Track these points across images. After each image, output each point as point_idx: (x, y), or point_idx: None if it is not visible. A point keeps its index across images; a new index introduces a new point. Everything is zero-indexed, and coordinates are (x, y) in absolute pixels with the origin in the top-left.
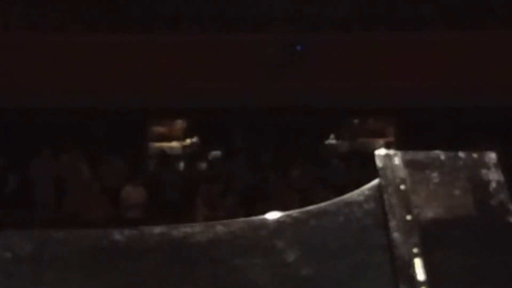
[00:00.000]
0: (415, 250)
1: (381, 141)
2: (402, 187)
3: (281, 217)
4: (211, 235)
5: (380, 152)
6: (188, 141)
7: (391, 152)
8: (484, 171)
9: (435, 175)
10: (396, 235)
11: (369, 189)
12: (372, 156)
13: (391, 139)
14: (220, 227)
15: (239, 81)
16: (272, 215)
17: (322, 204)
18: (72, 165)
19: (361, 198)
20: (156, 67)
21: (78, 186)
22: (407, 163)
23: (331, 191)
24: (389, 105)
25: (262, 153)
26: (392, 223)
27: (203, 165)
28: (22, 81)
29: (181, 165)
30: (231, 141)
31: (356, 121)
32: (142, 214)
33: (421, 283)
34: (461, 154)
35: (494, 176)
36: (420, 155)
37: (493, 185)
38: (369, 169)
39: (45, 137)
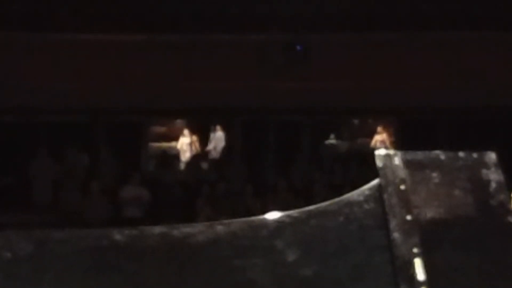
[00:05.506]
0: (415, 250)
1: None
2: (402, 187)
3: (281, 217)
4: (211, 235)
5: (380, 152)
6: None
7: (391, 152)
8: (484, 171)
9: (435, 175)
10: (396, 235)
11: (369, 189)
12: (372, 156)
13: (391, 139)
14: (220, 227)
15: (239, 81)
16: (272, 215)
17: (322, 204)
18: (71, 165)
19: (361, 198)
20: (156, 67)
21: (76, 186)
22: (407, 163)
23: (331, 191)
24: (389, 105)
25: (262, 153)
26: (392, 223)
27: (203, 165)
28: (21, 80)
29: (181, 165)
30: (231, 141)
31: (356, 121)
32: (142, 214)
33: (421, 283)
34: (461, 154)
35: (494, 176)
36: (420, 155)
37: (493, 185)
38: (369, 169)
39: (44, 137)
